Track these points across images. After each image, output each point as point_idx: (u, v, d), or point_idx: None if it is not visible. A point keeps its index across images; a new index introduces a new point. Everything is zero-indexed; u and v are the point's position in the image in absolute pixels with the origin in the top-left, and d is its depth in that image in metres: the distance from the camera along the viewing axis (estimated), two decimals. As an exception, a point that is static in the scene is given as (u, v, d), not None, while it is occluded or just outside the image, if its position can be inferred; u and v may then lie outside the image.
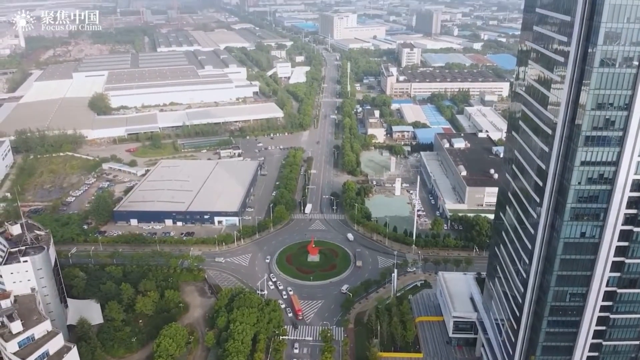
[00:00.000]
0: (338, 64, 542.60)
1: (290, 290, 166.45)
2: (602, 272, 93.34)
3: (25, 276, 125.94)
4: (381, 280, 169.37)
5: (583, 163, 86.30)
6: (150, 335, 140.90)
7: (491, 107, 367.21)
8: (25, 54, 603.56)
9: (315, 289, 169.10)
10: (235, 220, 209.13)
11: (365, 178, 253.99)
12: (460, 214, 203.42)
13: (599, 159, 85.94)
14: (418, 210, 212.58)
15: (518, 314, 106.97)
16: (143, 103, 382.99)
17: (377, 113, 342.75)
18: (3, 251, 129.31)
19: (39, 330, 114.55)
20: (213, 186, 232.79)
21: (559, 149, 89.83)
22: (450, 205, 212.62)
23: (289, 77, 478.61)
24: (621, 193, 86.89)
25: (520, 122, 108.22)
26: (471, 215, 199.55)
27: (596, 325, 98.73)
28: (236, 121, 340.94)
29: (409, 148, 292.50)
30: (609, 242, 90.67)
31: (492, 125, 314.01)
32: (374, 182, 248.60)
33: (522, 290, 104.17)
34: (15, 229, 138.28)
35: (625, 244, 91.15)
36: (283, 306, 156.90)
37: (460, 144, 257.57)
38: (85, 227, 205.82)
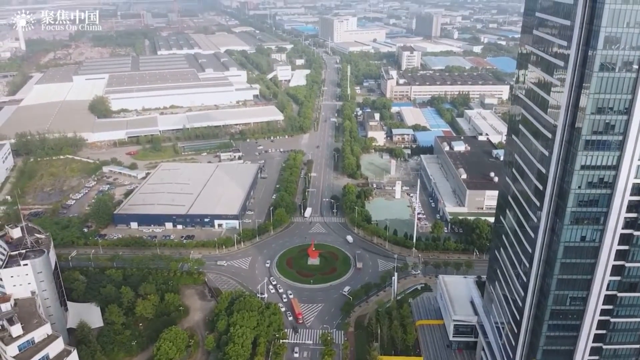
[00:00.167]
0: (338, 67, 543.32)
1: (291, 294, 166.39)
2: (602, 276, 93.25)
3: (26, 279, 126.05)
4: (381, 284, 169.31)
5: (583, 167, 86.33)
6: (151, 338, 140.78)
7: (491, 110, 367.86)
8: (25, 56, 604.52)
9: (315, 292, 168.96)
10: (235, 223, 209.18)
11: (365, 181, 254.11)
12: (460, 217, 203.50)
13: (599, 163, 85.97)
14: (418, 214, 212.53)
15: (518, 317, 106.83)
16: (143, 106, 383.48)
17: (377, 116, 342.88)
18: (3, 254, 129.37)
19: (39, 334, 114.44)
20: (213, 189, 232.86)
21: (559, 152, 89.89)
22: (450, 208, 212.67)
23: (289, 80, 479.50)
24: (621, 197, 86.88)
25: (520, 126, 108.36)
26: (471, 218, 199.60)
27: (596, 329, 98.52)
28: (236, 124, 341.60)
29: (409, 151, 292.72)
30: (609, 245, 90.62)
31: (492, 128, 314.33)
32: (374, 185, 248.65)
33: (523, 293, 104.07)
34: (16, 232, 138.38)
35: (626, 247, 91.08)
36: (283, 309, 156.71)
37: (460, 146, 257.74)
38: (86, 230, 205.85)
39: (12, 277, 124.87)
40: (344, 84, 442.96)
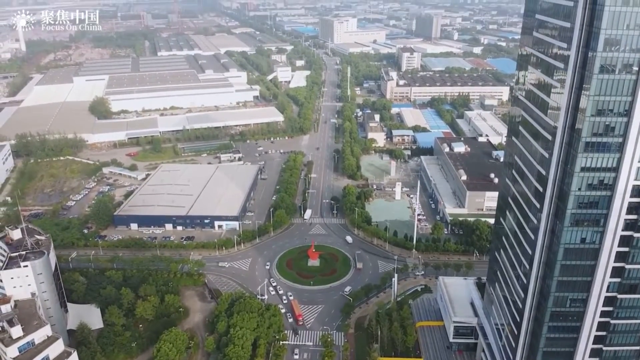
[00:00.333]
0: (338, 68, 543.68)
1: (291, 295, 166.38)
2: (602, 278, 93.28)
3: (26, 281, 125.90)
4: (381, 285, 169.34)
5: (583, 169, 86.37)
6: (151, 340, 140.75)
7: (491, 111, 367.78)
8: (26, 58, 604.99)
9: (315, 293, 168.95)
10: (235, 224, 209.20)
11: (365, 182, 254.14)
12: (460, 219, 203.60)
13: (599, 165, 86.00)
14: (418, 215, 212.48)
15: (518, 319, 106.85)
16: (143, 107, 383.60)
17: (377, 117, 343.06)
18: (3, 256, 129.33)
19: (39, 335, 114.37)
20: (213, 190, 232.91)
21: (559, 154, 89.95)
22: (450, 209, 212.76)
23: (289, 81, 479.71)
24: (621, 199, 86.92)
25: (520, 127, 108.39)
26: (471, 219, 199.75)
27: (597, 330, 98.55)
28: (236, 125, 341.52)
29: (409, 152, 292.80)
30: (609, 247, 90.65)
31: (492, 129, 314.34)
32: (374, 186, 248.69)
33: (523, 295, 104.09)
34: (16, 234, 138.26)
35: (626, 249, 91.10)
36: (283, 311, 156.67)
37: (460, 148, 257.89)
38: (86, 231, 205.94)
39: (12, 278, 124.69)
40: (344, 85, 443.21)
